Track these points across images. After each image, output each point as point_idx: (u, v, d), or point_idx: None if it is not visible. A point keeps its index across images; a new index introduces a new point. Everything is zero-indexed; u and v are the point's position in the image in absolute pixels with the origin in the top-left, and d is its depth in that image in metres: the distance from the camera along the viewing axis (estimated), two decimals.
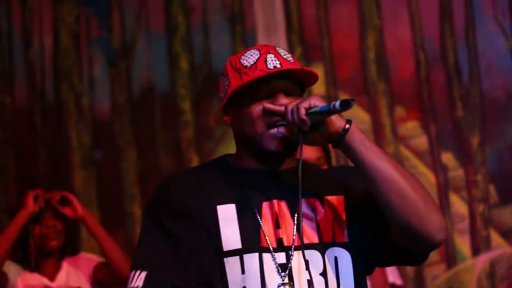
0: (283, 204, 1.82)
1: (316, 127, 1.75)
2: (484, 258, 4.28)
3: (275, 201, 1.81)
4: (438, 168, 4.39)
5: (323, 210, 1.83)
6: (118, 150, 4.68)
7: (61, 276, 3.46)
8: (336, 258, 1.81)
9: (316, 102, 1.73)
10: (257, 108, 1.81)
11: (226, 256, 1.77)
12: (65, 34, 4.82)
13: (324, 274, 1.78)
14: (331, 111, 1.72)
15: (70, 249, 3.53)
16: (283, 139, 1.79)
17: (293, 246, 1.79)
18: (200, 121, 4.62)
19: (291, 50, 4.59)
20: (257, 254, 1.77)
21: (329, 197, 1.85)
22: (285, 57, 1.84)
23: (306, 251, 1.78)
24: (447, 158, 4.39)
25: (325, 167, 2.66)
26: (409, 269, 4.32)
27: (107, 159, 4.71)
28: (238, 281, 1.76)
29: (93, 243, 4.20)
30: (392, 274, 3.34)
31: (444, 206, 4.31)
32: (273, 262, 1.77)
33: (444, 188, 4.36)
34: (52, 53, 4.82)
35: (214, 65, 4.60)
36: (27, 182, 4.36)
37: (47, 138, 4.75)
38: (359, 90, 4.51)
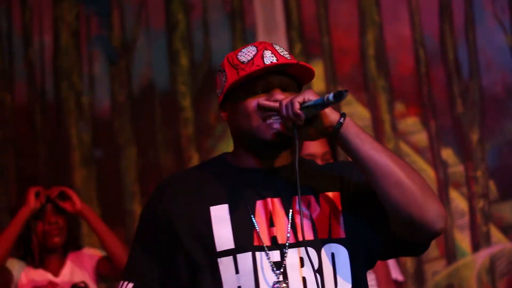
0: (278, 202, 1.82)
1: (310, 122, 1.76)
2: (484, 254, 4.29)
3: (269, 199, 1.82)
4: (438, 164, 4.39)
5: (318, 207, 1.83)
6: (118, 148, 4.69)
7: (65, 272, 3.48)
8: (333, 254, 1.81)
9: (310, 97, 1.74)
10: (253, 102, 1.81)
11: (220, 257, 1.78)
12: (65, 32, 4.83)
13: (320, 271, 1.78)
14: (325, 104, 1.72)
15: (73, 244, 3.55)
16: (279, 134, 1.79)
17: (287, 244, 1.79)
18: (200, 118, 4.63)
19: (291, 47, 4.59)
20: (250, 253, 1.77)
21: (325, 194, 1.85)
22: (282, 53, 1.85)
23: (300, 248, 1.78)
24: (447, 154, 4.39)
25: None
26: (409, 265, 4.32)
27: (107, 157, 4.72)
28: (233, 281, 1.77)
29: (94, 239, 4.20)
30: (393, 270, 3.34)
31: (444, 202, 4.31)
32: (267, 261, 1.77)
33: (444, 184, 4.37)
34: (52, 51, 4.83)
35: (214, 62, 4.61)
36: (27, 181, 4.37)
37: (47, 137, 4.76)
38: (359, 86, 4.51)
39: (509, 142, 4.34)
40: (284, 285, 1.76)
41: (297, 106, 1.73)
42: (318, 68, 4.53)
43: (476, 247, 4.30)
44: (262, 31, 4.66)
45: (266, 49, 1.84)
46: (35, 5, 4.84)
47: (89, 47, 4.82)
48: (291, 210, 1.81)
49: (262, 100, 1.80)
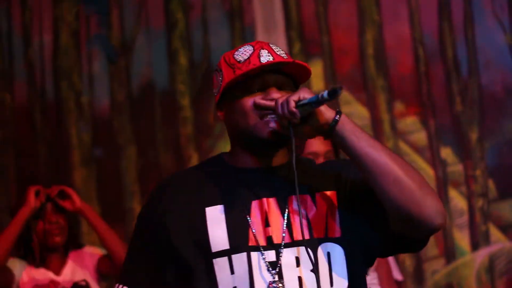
0: (273, 202, 1.83)
1: (306, 120, 1.76)
2: (483, 253, 4.29)
3: (264, 199, 1.82)
4: (437, 163, 4.39)
5: (315, 206, 1.84)
6: (118, 147, 4.70)
7: (67, 270, 3.49)
8: (329, 254, 1.81)
9: (306, 95, 1.74)
10: (249, 101, 1.82)
11: (215, 257, 1.79)
12: (64, 32, 4.83)
13: (315, 270, 1.78)
14: (319, 101, 1.72)
15: (74, 243, 3.56)
16: (275, 133, 1.80)
17: (282, 244, 1.79)
18: (199, 118, 4.63)
19: (290, 46, 4.60)
20: (245, 254, 1.78)
21: (321, 193, 1.85)
22: (278, 53, 1.85)
23: (296, 248, 1.79)
24: (446, 153, 4.40)
25: None
26: (409, 264, 4.33)
27: (107, 157, 4.72)
28: (228, 282, 1.77)
29: (94, 237, 4.21)
30: (392, 269, 3.35)
31: (443, 201, 4.30)
32: (263, 261, 1.78)
33: (443, 183, 4.37)
34: (51, 51, 4.83)
35: (214, 62, 4.61)
36: (27, 181, 4.37)
37: (47, 137, 4.76)
38: (358, 86, 4.51)
39: (508, 141, 4.34)
40: (280, 285, 1.77)
41: (292, 104, 1.74)
42: (317, 67, 4.54)
43: (475, 246, 4.31)
44: (261, 30, 4.66)
45: (263, 48, 1.85)
46: (35, 5, 4.85)
47: (89, 47, 4.83)
48: (287, 210, 1.82)
49: (258, 99, 1.81)
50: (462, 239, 4.32)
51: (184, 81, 4.70)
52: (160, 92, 4.72)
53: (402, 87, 4.47)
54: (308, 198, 1.84)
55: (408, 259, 4.33)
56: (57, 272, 3.48)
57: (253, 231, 1.80)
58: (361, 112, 4.47)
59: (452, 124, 4.40)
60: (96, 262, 3.54)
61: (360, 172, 1.78)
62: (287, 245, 1.79)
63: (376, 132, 4.43)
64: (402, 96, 4.47)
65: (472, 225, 4.32)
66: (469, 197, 4.35)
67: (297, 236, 1.80)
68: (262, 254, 1.78)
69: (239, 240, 1.79)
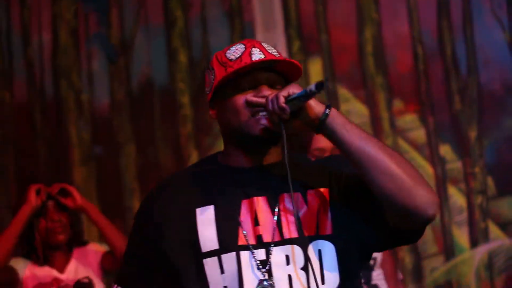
0: (263, 201, 1.83)
1: (296, 115, 1.77)
2: (482, 250, 4.30)
3: (254, 198, 1.83)
4: (436, 160, 4.40)
5: (305, 204, 1.84)
6: (118, 146, 4.70)
7: (71, 268, 3.49)
8: (320, 251, 1.81)
9: (295, 90, 1.75)
10: (241, 99, 1.82)
11: (205, 257, 1.80)
12: (63, 30, 4.83)
13: (305, 268, 1.79)
14: (308, 95, 1.73)
15: (78, 241, 3.57)
16: (266, 130, 1.81)
17: (272, 242, 1.80)
18: (199, 116, 4.64)
19: (289, 44, 4.60)
20: (234, 253, 1.79)
21: (313, 190, 1.85)
22: (270, 51, 1.86)
23: (286, 246, 1.79)
24: (445, 150, 4.41)
25: None
26: (408, 261, 4.34)
27: (107, 155, 4.73)
28: (218, 281, 1.79)
29: (93, 235, 4.22)
30: None
31: (442, 198, 4.33)
32: (253, 259, 1.79)
33: (442, 180, 4.38)
34: (51, 50, 4.83)
35: None
36: (27, 180, 4.37)
37: (47, 135, 4.77)
38: (357, 84, 4.52)
39: (507, 138, 4.35)
40: (271, 282, 1.77)
41: (282, 100, 1.75)
42: (316, 65, 4.54)
43: (474, 243, 4.32)
44: (261, 29, 4.66)
45: (254, 47, 1.86)
46: (33, 3, 4.85)
47: (88, 45, 4.83)
48: (277, 208, 1.82)
49: (250, 97, 1.82)
50: (461, 236, 4.33)
51: (184, 79, 4.70)
52: (160, 90, 4.72)
53: (401, 85, 4.48)
54: (299, 196, 1.84)
55: (407, 256, 4.34)
56: (61, 269, 3.49)
57: (243, 230, 1.81)
58: (360, 109, 4.48)
59: (451, 122, 4.41)
60: (100, 258, 3.54)
61: (352, 166, 1.78)
62: (277, 244, 1.80)
63: (376, 129, 4.44)
64: (401, 94, 4.48)
65: (471, 222, 4.33)
66: (468, 194, 4.35)
67: (287, 234, 1.81)
68: (252, 253, 1.79)
69: (229, 240, 1.80)
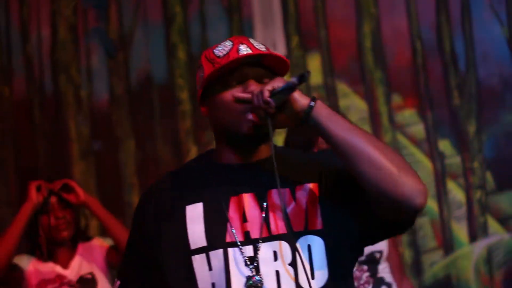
0: (251, 197, 1.84)
1: (282, 109, 1.77)
2: (481, 245, 4.30)
3: (243, 195, 1.84)
4: (435, 155, 4.40)
5: (293, 200, 1.84)
6: (117, 141, 4.70)
7: (75, 264, 3.50)
8: (309, 246, 1.81)
9: (279, 84, 1.76)
10: (229, 94, 1.83)
11: (193, 254, 1.81)
12: (62, 26, 4.84)
13: (293, 264, 1.79)
14: (291, 87, 1.75)
15: (82, 236, 3.57)
16: (255, 126, 1.81)
17: (260, 238, 1.80)
18: (198, 111, 4.63)
19: (288, 40, 4.60)
20: (221, 250, 1.80)
21: (302, 186, 1.85)
22: (257, 46, 1.87)
23: (273, 242, 1.80)
24: (444, 145, 4.41)
25: None
26: (407, 256, 4.34)
27: (106, 150, 4.73)
28: (207, 278, 1.80)
29: (92, 231, 4.23)
30: None
31: (441, 193, 4.34)
32: (241, 256, 1.80)
33: (441, 175, 4.38)
34: (50, 45, 4.84)
35: None
36: (26, 175, 4.38)
37: (46, 130, 4.77)
38: (356, 79, 4.52)
39: (505, 133, 4.35)
40: (258, 278, 1.78)
41: (266, 94, 1.76)
42: (315, 61, 4.55)
43: (473, 238, 4.32)
44: (259, 24, 4.66)
45: (242, 43, 1.87)
46: (32, 0, 4.85)
47: (87, 41, 4.83)
48: (265, 204, 1.83)
49: (237, 92, 1.83)
50: (460, 231, 4.34)
51: (183, 75, 4.70)
52: (159, 86, 4.73)
53: (400, 80, 4.48)
54: (288, 192, 1.84)
55: (406, 251, 4.35)
56: (65, 265, 3.49)
57: (231, 227, 1.81)
58: (359, 104, 4.48)
59: (449, 117, 4.41)
60: (105, 253, 3.55)
61: (338, 157, 1.78)
62: (265, 240, 1.80)
63: (374, 124, 4.44)
64: (400, 89, 4.48)
65: (470, 217, 4.34)
66: (467, 189, 4.36)
67: (275, 230, 1.81)
68: (240, 250, 1.80)
69: (216, 237, 1.81)
